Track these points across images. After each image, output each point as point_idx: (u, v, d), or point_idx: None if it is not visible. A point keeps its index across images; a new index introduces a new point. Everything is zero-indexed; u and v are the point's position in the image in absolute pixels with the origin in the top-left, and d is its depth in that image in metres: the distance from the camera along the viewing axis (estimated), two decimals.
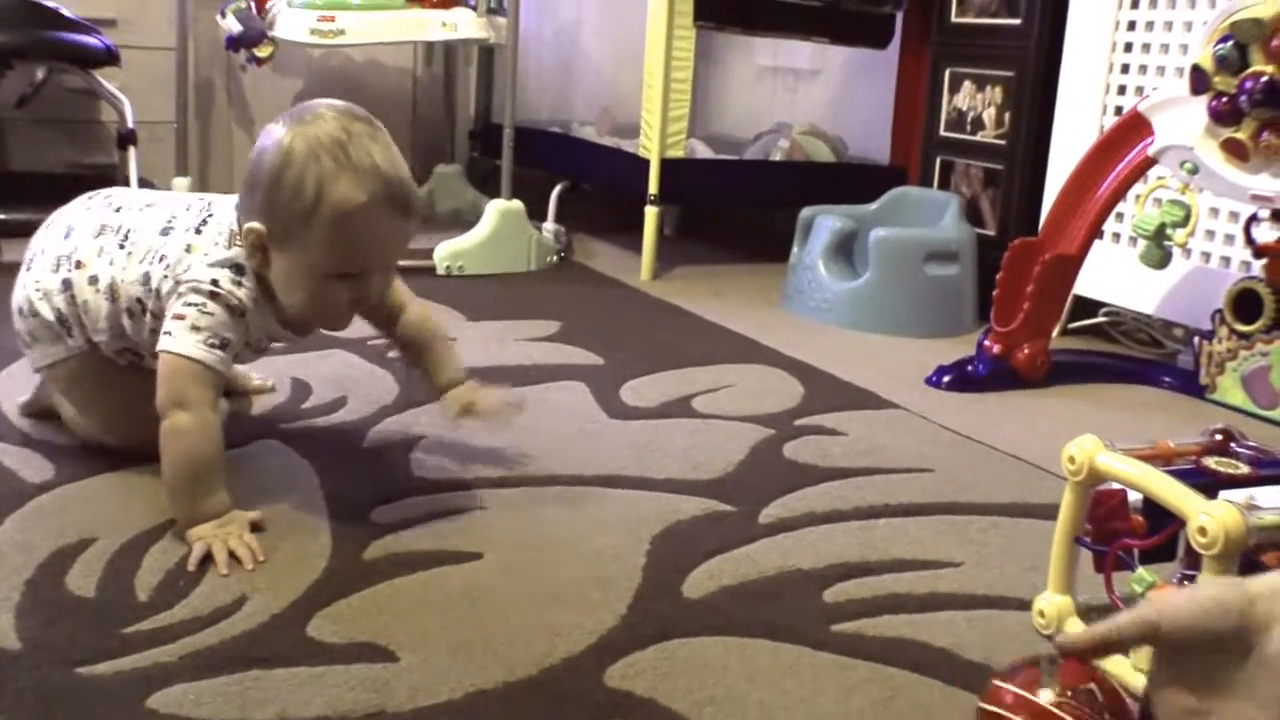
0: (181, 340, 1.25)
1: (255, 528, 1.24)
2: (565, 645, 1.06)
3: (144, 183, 2.74)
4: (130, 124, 2.75)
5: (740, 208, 3.59)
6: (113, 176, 2.80)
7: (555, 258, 2.92)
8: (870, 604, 1.18)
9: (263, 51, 2.87)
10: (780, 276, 2.66)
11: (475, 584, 1.17)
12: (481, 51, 3.72)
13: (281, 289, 1.28)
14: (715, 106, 3.86)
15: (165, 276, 1.30)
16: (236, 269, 1.28)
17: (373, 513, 1.33)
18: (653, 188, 2.72)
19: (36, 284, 1.40)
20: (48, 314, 1.39)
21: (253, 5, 2.88)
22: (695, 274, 2.92)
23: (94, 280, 1.36)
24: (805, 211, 2.63)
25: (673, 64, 2.68)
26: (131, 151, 2.74)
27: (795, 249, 2.61)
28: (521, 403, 1.51)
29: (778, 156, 3.11)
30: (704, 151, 3.17)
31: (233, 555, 1.18)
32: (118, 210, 1.40)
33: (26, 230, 2.53)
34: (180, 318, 1.25)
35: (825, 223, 2.54)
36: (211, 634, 1.04)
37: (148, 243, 1.34)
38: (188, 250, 1.30)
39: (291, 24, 2.78)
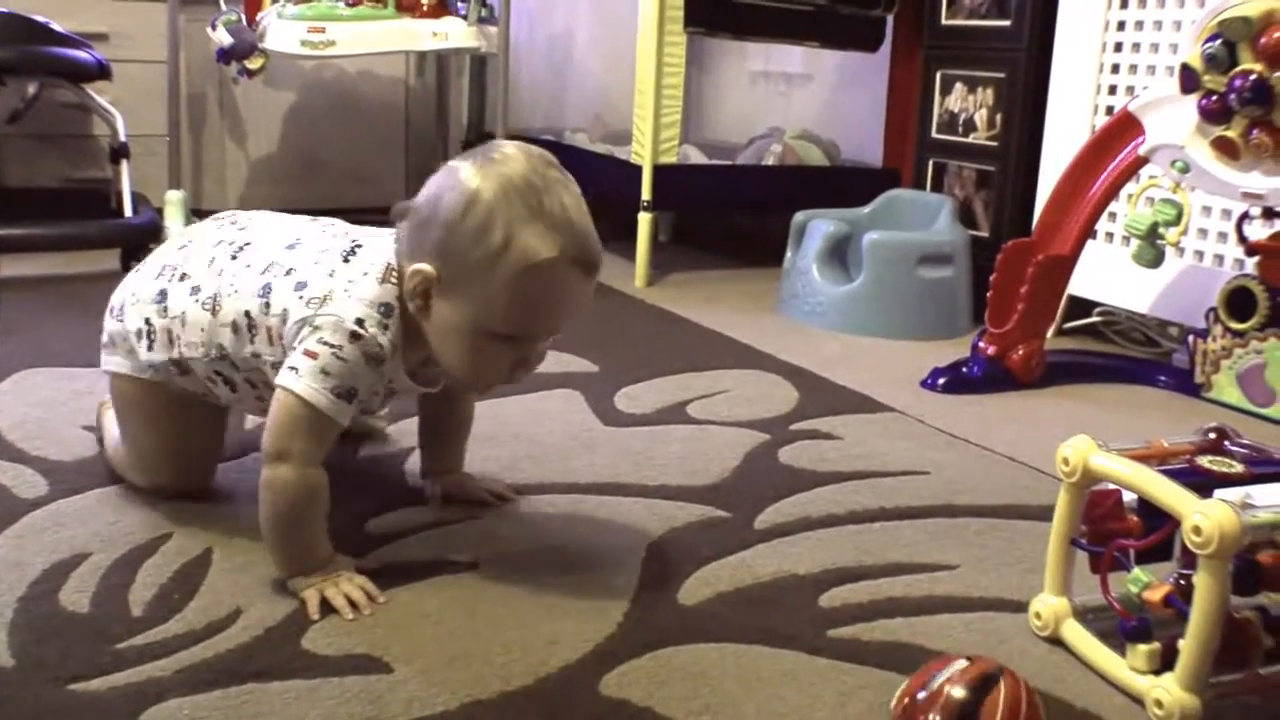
0: (306, 382, 1.12)
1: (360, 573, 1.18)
2: (561, 654, 1.05)
3: (136, 197, 2.74)
4: (123, 138, 2.74)
5: (734, 213, 3.59)
6: (106, 191, 2.79)
7: None
8: (867, 608, 1.18)
9: (254, 64, 2.87)
10: (775, 281, 2.66)
11: (471, 594, 1.17)
12: (474, 61, 3.73)
13: (438, 341, 1.15)
14: (709, 112, 3.85)
15: (301, 299, 1.17)
16: (385, 309, 1.15)
17: (368, 524, 1.33)
18: (645, 194, 2.72)
19: (133, 291, 1.31)
20: (132, 322, 1.29)
21: (243, 18, 2.88)
22: (690, 280, 2.92)
23: (196, 291, 1.25)
24: (798, 216, 2.63)
25: (664, 70, 2.68)
26: (124, 165, 2.73)
27: (789, 253, 2.61)
28: (509, 494, 1.41)
29: (770, 161, 3.11)
30: (697, 157, 3.17)
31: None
32: (241, 228, 1.30)
33: (20, 246, 2.56)
34: (311, 355, 1.13)
35: (818, 227, 2.54)
36: (206, 648, 1.04)
37: (270, 255, 1.23)
38: (331, 276, 1.17)
39: (282, 36, 2.78)
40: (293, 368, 1.14)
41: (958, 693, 0.87)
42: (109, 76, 2.75)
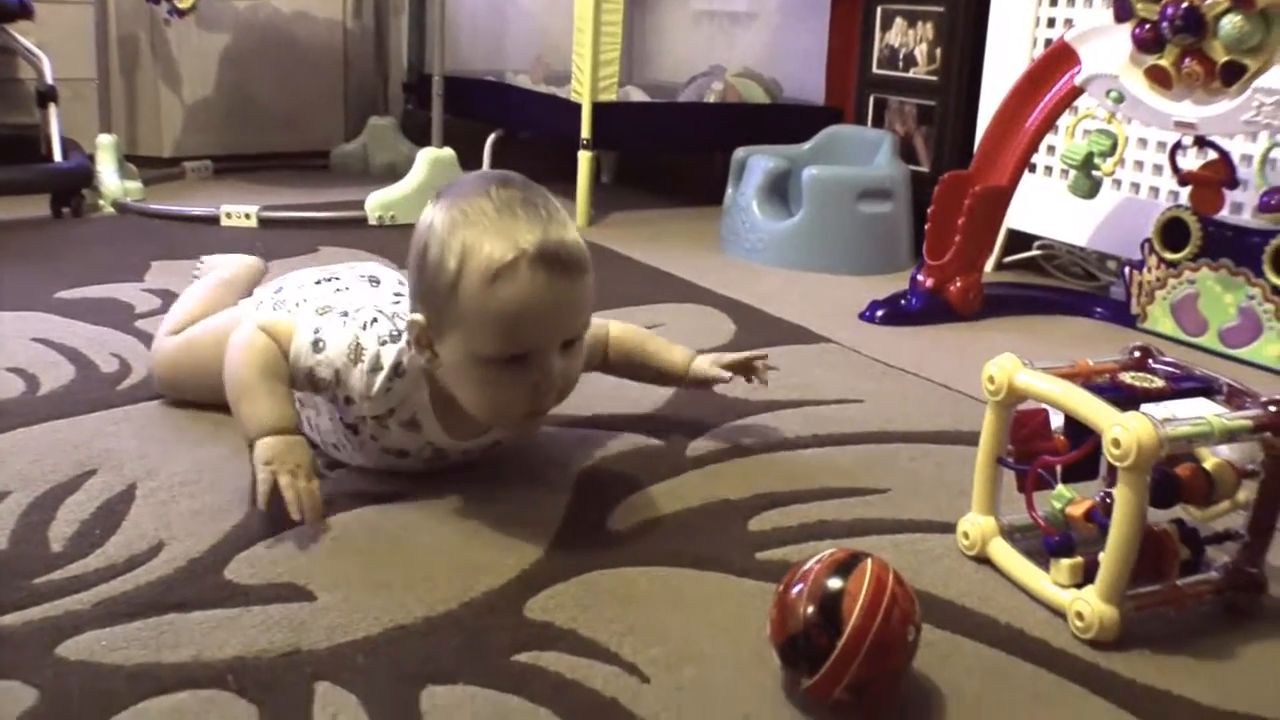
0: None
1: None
2: (486, 580, 1.05)
3: (67, 142, 2.68)
4: (50, 81, 2.68)
5: (675, 151, 3.57)
6: (34, 136, 2.73)
7: None
8: (796, 531, 1.18)
9: (184, 3, 2.81)
10: (718, 220, 2.64)
11: (398, 524, 1.16)
12: (412, 1, 3.67)
13: (454, 387, 1.13)
14: (652, 52, 3.82)
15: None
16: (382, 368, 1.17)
17: None
18: (585, 132, 2.69)
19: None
20: (272, 289, 1.41)
21: None
22: (633, 219, 2.90)
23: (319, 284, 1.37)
24: (738, 153, 2.62)
25: (603, 6, 2.64)
26: (52, 109, 2.67)
27: (729, 190, 2.60)
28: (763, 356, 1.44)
29: (712, 99, 3.09)
30: (639, 97, 3.14)
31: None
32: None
33: None
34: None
35: (758, 163, 2.53)
36: (127, 581, 1.02)
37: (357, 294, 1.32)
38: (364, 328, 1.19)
39: None
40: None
41: (825, 578, 0.88)
42: (30, 16, 2.68)
